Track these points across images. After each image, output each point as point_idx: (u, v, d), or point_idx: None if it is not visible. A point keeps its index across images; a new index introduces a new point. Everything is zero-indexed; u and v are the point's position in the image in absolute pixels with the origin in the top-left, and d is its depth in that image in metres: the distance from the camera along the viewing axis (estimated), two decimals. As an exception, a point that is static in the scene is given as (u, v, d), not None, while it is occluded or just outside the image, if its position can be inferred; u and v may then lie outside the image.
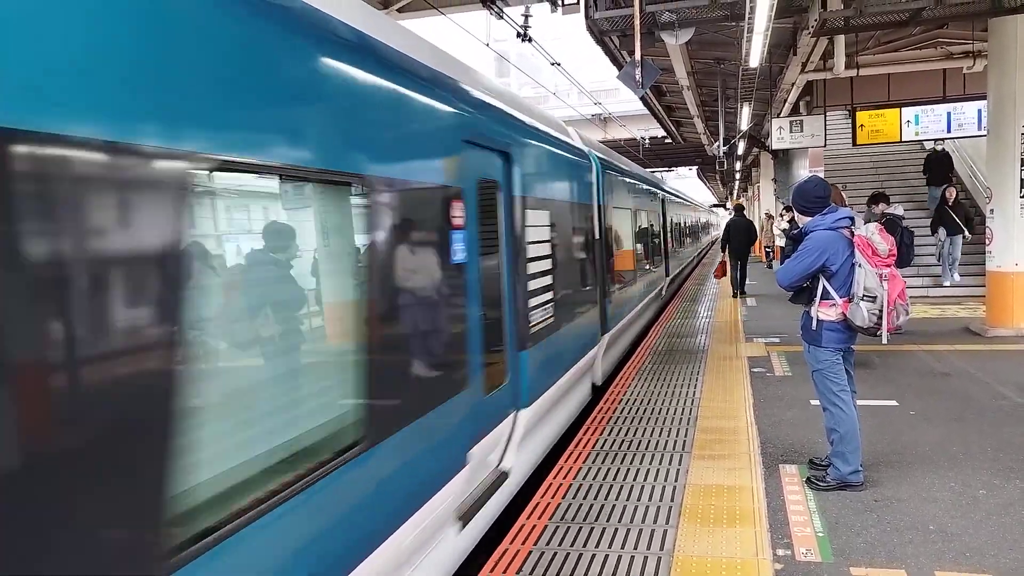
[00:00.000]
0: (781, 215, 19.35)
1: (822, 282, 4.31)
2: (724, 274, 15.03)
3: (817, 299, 4.33)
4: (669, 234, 16.81)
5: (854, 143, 13.82)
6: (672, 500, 4.28)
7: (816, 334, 4.36)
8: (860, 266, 4.21)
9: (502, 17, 10.16)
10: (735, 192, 43.68)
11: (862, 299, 4.18)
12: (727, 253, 15.35)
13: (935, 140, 14.64)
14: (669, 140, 29.99)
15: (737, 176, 35.10)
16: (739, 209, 16.39)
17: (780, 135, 14.95)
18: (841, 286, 4.27)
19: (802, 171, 20.24)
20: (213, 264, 2.27)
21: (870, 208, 8.51)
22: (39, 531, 1.51)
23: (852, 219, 4.38)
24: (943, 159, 14.26)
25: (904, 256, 7.20)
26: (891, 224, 7.46)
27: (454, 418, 3.58)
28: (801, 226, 4.54)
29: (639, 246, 11.53)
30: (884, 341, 4.27)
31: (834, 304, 4.28)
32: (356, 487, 2.69)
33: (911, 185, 16.35)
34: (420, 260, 3.33)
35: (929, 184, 14.40)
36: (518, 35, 10.88)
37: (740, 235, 15.17)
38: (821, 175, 17.90)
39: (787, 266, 4.41)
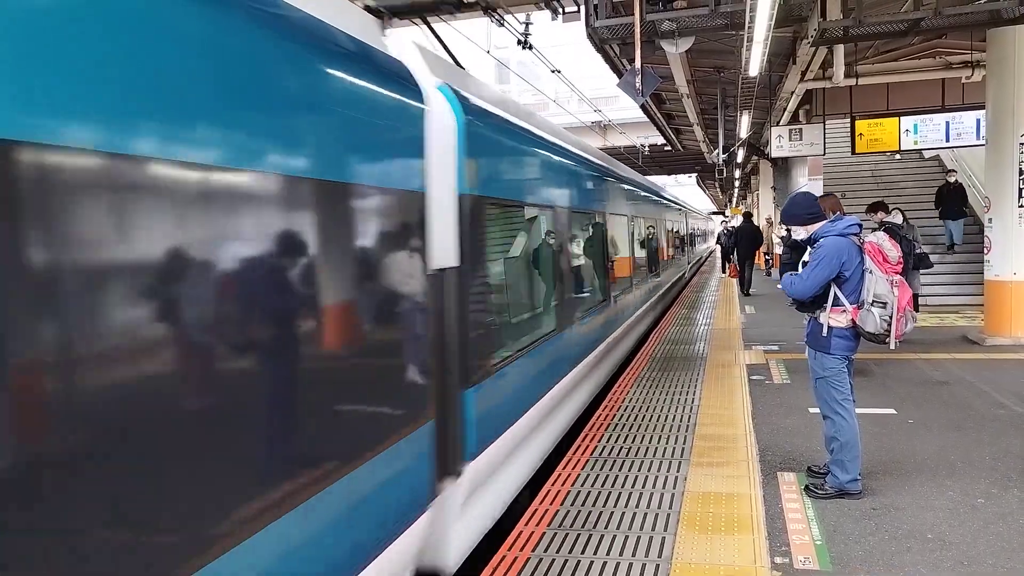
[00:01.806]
0: (780, 223, 19.48)
1: (833, 289, 4.31)
2: (737, 274, 17.15)
3: (828, 306, 4.33)
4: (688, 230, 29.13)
5: (853, 152, 13.86)
6: (671, 507, 4.28)
7: (825, 341, 4.35)
8: (871, 272, 4.23)
9: (503, 25, 10.20)
10: (734, 199, 43.71)
11: (872, 305, 4.19)
12: (735, 256, 17.34)
13: (947, 171, 14.41)
14: (669, 147, 30.04)
15: (736, 184, 35.16)
16: (747, 216, 18.05)
17: (779, 143, 14.99)
18: (852, 292, 4.28)
19: (801, 179, 20.28)
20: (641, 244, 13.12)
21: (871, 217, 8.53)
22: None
23: (860, 226, 4.41)
24: (956, 191, 13.72)
25: (903, 265, 7.20)
26: (890, 232, 7.46)
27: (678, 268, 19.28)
28: (808, 235, 4.54)
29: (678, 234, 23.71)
30: (892, 347, 4.29)
31: (844, 311, 4.29)
32: (662, 281, 15.17)
33: (909, 195, 16.37)
34: (694, 238, 25.32)
35: (942, 217, 13.80)
36: (519, 42, 10.92)
37: (747, 240, 16.86)
38: (820, 184, 18.04)
39: (807, 275, 4.31)
